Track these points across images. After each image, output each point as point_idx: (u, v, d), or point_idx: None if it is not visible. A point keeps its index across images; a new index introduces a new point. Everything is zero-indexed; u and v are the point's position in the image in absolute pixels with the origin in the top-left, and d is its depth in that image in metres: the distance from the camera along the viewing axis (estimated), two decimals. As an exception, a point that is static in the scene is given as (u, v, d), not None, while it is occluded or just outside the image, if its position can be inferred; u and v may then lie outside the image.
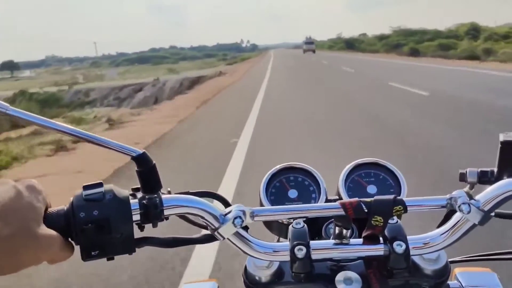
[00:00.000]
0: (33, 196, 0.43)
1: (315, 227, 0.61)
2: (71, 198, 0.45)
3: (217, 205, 0.51)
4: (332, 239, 0.53)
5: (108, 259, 0.46)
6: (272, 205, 0.64)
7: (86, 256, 0.45)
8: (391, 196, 0.48)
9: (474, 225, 0.48)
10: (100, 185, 0.45)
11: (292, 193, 0.67)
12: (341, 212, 0.48)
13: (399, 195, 0.59)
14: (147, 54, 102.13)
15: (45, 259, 0.43)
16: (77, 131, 0.47)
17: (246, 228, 0.50)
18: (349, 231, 0.52)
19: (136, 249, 0.47)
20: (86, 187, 0.45)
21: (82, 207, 0.44)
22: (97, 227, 0.43)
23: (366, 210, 0.47)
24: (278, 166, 0.69)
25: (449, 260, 0.55)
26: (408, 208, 0.47)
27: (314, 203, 0.64)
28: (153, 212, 0.46)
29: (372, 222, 0.48)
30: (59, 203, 0.46)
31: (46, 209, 0.45)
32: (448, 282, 0.57)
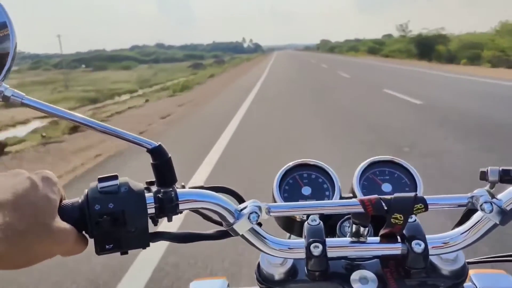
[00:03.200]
0: (49, 188, 0.44)
1: (330, 225, 0.62)
2: (86, 190, 0.46)
3: (232, 200, 0.52)
4: (348, 237, 0.54)
5: (122, 253, 0.47)
6: (286, 202, 0.65)
7: (100, 249, 0.46)
8: (412, 194, 0.49)
9: (495, 225, 0.49)
10: (115, 177, 0.46)
11: (306, 190, 0.69)
12: (360, 209, 0.49)
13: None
14: (107, 54, 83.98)
15: (59, 253, 0.44)
16: (92, 122, 0.48)
17: (259, 225, 0.51)
18: (366, 230, 0.52)
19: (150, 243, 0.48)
20: (101, 179, 0.46)
21: (97, 199, 0.45)
22: (112, 220, 0.44)
23: (386, 208, 0.48)
24: (292, 163, 0.70)
25: (467, 261, 0.56)
26: (429, 206, 0.48)
27: (328, 200, 0.66)
28: (168, 206, 0.47)
29: (392, 220, 0.48)
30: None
31: (61, 201, 0.46)
32: (463, 284, 0.57)
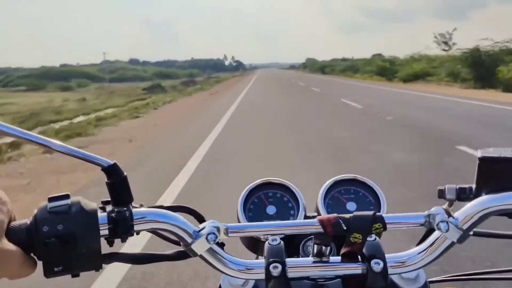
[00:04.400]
0: None
1: (293, 245, 0.64)
2: (35, 211, 0.45)
3: (192, 220, 0.52)
4: (310, 257, 0.54)
5: (73, 276, 0.46)
6: (250, 221, 0.66)
7: (49, 272, 0.45)
8: (370, 213, 0.49)
9: (452, 243, 0.50)
10: (66, 197, 0.46)
11: (271, 209, 0.69)
12: (319, 229, 0.49)
13: (379, 212, 0.60)
14: (58, 70, 72.28)
15: (5, 275, 0.44)
16: (47, 141, 0.47)
17: (222, 245, 0.51)
18: (328, 249, 0.53)
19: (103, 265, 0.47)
20: (51, 199, 0.45)
21: (46, 220, 0.44)
22: (61, 241, 0.43)
23: (345, 227, 0.49)
24: (257, 181, 0.71)
25: (429, 280, 0.57)
26: (388, 226, 0.49)
27: (293, 219, 0.67)
28: (122, 226, 0.46)
29: (351, 239, 0.49)
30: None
31: (9, 222, 0.45)
32: None
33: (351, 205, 0.69)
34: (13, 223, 0.45)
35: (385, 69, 35.95)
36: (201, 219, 0.57)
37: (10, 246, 0.43)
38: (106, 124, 11.01)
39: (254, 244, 0.67)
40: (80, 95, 31.05)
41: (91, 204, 0.46)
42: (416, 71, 29.03)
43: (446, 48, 29.69)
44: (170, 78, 68.00)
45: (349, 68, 52.34)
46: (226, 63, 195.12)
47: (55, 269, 0.45)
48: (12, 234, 0.44)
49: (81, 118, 14.54)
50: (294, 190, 0.70)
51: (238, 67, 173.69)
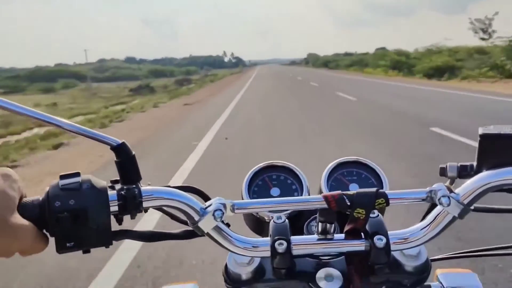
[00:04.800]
0: (7, 185, 0.45)
1: (297, 224, 0.65)
2: (47, 188, 0.47)
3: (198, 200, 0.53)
4: (315, 235, 0.56)
5: (84, 252, 0.48)
6: None
7: (61, 247, 0.47)
8: (374, 189, 0.52)
9: (454, 218, 0.52)
10: (77, 174, 0.48)
11: (275, 191, 0.71)
12: (324, 205, 0.51)
13: None
14: (50, 69, 69.61)
15: (17, 250, 0.45)
16: (58, 121, 0.49)
17: (228, 225, 0.53)
18: (332, 227, 0.55)
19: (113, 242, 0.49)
20: (63, 177, 0.48)
21: (58, 196, 0.46)
22: (72, 217, 0.45)
23: (348, 203, 0.51)
24: (261, 164, 0.73)
25: (430, 258, 0.60)
26: (390, 201, 0.51)
27: None
28: (131, 203, 0.49)
29: (354, 214, 0.51)
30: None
31: (21, 198, 0.47)
32: (430, 283, 0.62)
33: (353, 187, 0.71)
34: (25, 199, 0.47)
35: (400, 62, 32.19)
36: (207, 199, 0.58)
37: (23, 221, 0.44)
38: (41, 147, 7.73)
39: (258, 225, 0.69)
40: (57, 98, 28.88)
41: (101, 182, 0.49)
42: (439, 64, 25.11)
43: (486, 37, 25.29)
44: (165, 76, 64.32)
45: (356, 62, 48.74)
46: (226, 59, 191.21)
47: (67, 244, 0.46)
48: (24, 210, 0.46)
49: (32, 132, 11.20)
50: (297, 172, 0.72)
51: (238, 64, 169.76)
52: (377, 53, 44.29)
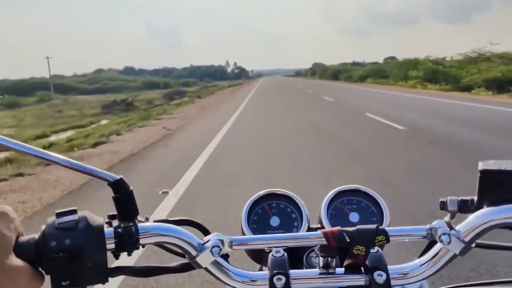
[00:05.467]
0: (4, 225, 0.46)
1: (296, 256, 0.66)
2: (43, 226, 0.49)
3: (196, 233, 0.56)
4: (317, 268, 0.57)
5: None
6: (254, 233, 0.71)
7: (56, 286, 0.48)
8: (374, 226, 0.53)
9: (454, 256, 0.52)
10: (74, 212, 0.49)
11: (274, 221, 0.73)
12: (323, 241, 0.53)
13: (382, 223, 0.68)
14: (29, 82, 63.96)
15: None
16: (54, 157, 0.51)
17: (226, 256, 0.55)
18: (332, 261, 0.56)
19: (110, 278, 0.51)
20: (59, 214, 0.49)
21: (54, 235, 0.47)
22: (68, 256, 0.47)
23: (348, 240, 0.52)
24: (261, 192, 0.75)
25: None
26: (390, 238, 0.52)
27: (296, 231, 0.72)
28: (128, 240, 0.50)
29: (354, 251, 0.52)
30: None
31: (18, 237, 0.48)
32: None
33: (354, 216, 0.72)
34: (21, 238, 0.48)
35: (439, 73, 26.83)
36: (205, 232, 0.60)
37: (18, 262, 0.46)
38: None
39: (258, 255, 0.71)
40: (8, 115, 25.42)
41: (97, 219, 0.50)
42: (496, 75, 18.97)
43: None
44: (159, 88, 58.77)
45: (372, 73, 42.17)
46: (228, 69, 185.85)
47: (63, 283, 0.47)
48: (20, 249, 0.47)
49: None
50: (297, 201, 0.74)
51: (241, 74, 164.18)
52: (404, 62, 36.97)
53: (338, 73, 61.73)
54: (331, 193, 0.73)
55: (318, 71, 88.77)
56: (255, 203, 0.73)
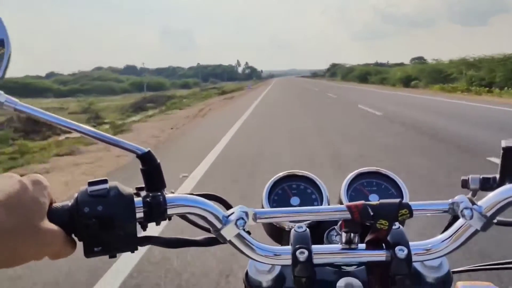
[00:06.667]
0: (38, 191, 0.49)
1: (317, 234, 0.68)
2: (76, 194, 0.51)
3: (220, 208, 0.58)
4: (339, 244, 0.59)
5: (110, 257, 0.52)
6: None
7: (89, 252, 0.51)
8: (397, 200, 0.54)
9: (476, 231, 0.54)
10: (105, 181, 0.51)
11: (294, 201, 0.75)
12: (347, 215, 0.54)
13: None
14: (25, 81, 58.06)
15: (46, 255, 0.49)
16: (85, 129, 0.53)
17: (248, 233, 0.57)
18: (355, 237, 0.57)
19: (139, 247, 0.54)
20: (91, 183, 0.51)
21: (87, 202, 0.49)
22: (100, 223, 0.49)
23: (372, 214, 0.53)
24: (281, 174, 0.77)
25: (452, 270, 0.62)
26: (414, 212, 0.54)
27: None
28: (156, 210, 0.52)
29: (377, 225, 0.53)
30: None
31: (51, 204, 0.51)
32: None
33: (373, 197, 0.73)
34: (55, 205, 0.51)
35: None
36: (228, 207, 0.62)
37: (52, 226, 0.48)
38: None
39: (278, 234, 0.73)
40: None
41: (127, 189, 0.52)
42: None
43: None
44: (151, 89, 48.74)
45: (418, 74, 30.58)
46: (239, 69, 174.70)
47: (95, 249, 0.50)
48: (54, 215, 0.49)
49: None
50: (317, 182, 0.76)
51: (251, 75, 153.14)
52: (489, 58, 25.54)
53: (368, 75, 50.88)
54: (351, 175, 0.75)
55: (340, 72, 77.59)
56: (275, 184, 0.74)
